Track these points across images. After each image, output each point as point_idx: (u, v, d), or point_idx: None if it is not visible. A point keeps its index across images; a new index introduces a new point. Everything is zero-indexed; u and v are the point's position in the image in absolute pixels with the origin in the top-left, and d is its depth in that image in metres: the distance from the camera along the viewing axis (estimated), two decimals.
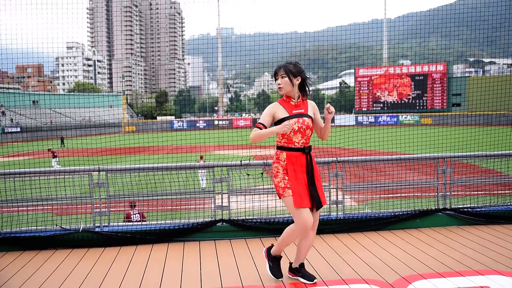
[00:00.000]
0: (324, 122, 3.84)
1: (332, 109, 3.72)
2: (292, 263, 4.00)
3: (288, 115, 3.68)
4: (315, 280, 3.86)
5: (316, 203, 3.71)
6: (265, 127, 3.66)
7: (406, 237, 5.24)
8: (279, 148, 3.76)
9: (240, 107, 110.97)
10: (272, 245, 4.02)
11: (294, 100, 3.75)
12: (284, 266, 4.06)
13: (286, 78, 3.70)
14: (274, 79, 3.78)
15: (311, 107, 3.81)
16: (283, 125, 3.59)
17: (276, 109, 3.73)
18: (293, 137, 3.68)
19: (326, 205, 5.61)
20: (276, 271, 3.96)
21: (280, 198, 3.75)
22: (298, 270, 3.94)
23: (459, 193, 6.66)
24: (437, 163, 5.88)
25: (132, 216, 7.18)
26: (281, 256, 4.02)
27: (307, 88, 3.78)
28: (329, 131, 3.85)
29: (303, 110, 3.73)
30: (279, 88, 3.73)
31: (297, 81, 3.72)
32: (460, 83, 63.08)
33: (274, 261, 3.99)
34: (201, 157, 19.17)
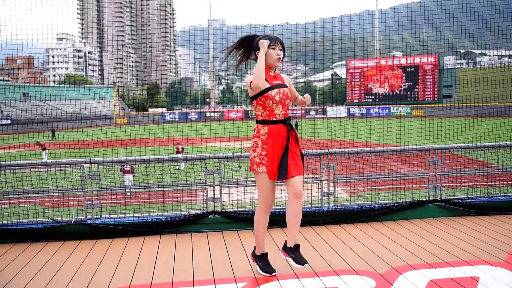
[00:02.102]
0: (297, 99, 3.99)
1: (309, 101, 3.92)
2: (286, 241, 3.84)
3: (269, 85, 3.71)
4: (306, 265, 3.72)
5: (279, 173, 3.68)
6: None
7: (397, 228, 5.29)
8: (260, 122, 3.76)
9: (232, 99, 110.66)
10: (254, 247, 4.02)
11: (272, 72, 3.81)
12: (275, 258, 4.08)
13: (282, 52, 3.80)
14: (272, 47, 3.74)
15: (286, 79, 3.90)
16: (262, 42, 3.66)
17: None
18: (275, 109, 3.70)
19: (318, 196, 5.64)
20: (266, 268, 3.89)
21: (250, 171, 3.81)
22: (292, 251, 3.76)
23: (449, 184, 6.72)
24: (428, 155, 5.92)
25: (125, 167, 7.30)
26: (266, 252, 3.97)
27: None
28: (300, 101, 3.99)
29: (280, 81, 3.81)
30: (278, 58, 3.77)
31: None
32: (451, 74, 63.41)
33: (261, 259, 3.94)
34: (180, 150, 19.33)
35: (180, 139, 19.12)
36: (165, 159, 5.50)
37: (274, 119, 3.71)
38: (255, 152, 3.76)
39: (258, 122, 3.78)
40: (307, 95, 3.92)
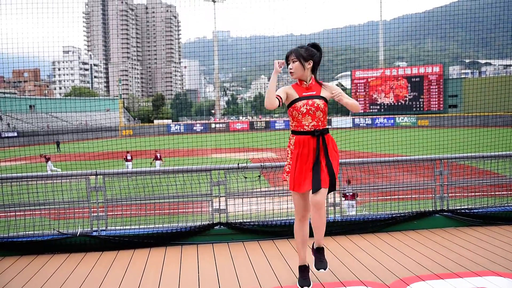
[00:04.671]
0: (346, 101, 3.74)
1: (337, 92, 3.70)
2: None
3: (298, 97, 3.70)
4: (321, 270, 3.77)
5: (313, 184, 3.62)
6: (281, 98, 3.68)
7: (403, 239, 5.25)
8: (292, 132, 3.77)
9: (237, 110, 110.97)
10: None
11: (305, 83, 3.75)
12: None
13: (297, 63, 3.69)
14: (286, 64, 3.76)
15: (327, 88, 3.76)
16: (275, 62, 3.65)
17: (288, 90, 3.77)
18: (302, 120, 3.68)
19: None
20: (302, 281, 3.85)
21: (283, 180, 3.84)
22: (315, 252, 3.86)
23: (456, 194, 6.67)
24: (434, 165, 5.89)
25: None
26: (305, 264, 3.90)
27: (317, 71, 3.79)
28: (352, 105, 3.72)
29: (314, 92, 3.71)
30: (290, 73, 3.73)
31: (308, 65, 3.71)
32: (456, 84, 63.28)
33: (299, 271, 3.94)
34: (157, 158, 20.34)
35: (194, 151, 19.18)
36: (171, 171, 5.50)
37: (302, 130, 3.69)
38: (286, 161, 3.81)
39: (291, 132, 3.80)
40: (335, 91, 3.72)
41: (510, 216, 5.74)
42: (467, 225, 5.67)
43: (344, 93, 3.73)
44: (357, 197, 8.59)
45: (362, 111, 69.03)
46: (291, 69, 3.72)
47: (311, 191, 3.65)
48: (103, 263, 4.70)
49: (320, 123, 3.69)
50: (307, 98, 3.69)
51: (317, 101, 3.68)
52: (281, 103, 3.72)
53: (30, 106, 64.68)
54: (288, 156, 3.79)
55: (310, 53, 3.71)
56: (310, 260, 3.92)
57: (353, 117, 66.05)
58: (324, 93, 3.74)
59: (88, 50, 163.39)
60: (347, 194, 8.53)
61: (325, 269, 3.78)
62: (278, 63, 3.67)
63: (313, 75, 3.77)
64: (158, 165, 21.00)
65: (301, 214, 3.82)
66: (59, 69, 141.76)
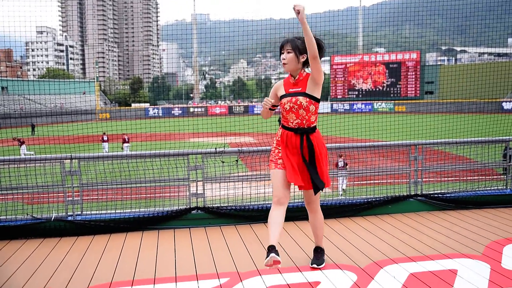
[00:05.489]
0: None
1: (298, 7, 3.23)
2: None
3: (285, 93, 3.65)
4: (314, 265, 3.91)
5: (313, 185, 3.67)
6: (276, 105, 3.73)
7: (378, 222, 5.35)
8: (281, 124, 3.74)
9: (215, 94, 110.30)
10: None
11: (293, 79, 3.63)
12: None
13: (292, 54, 3.52)
14: (279, 53, 3.62)
15: (309, 79, 3.55)
16: (264, 101, 3.65)
17: (277, 88, 3.74)
18: (287, 116, 3.64)
19: (299, 191, 5.66)
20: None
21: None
22: (314, 252, 4.05)
23: (430, 179, 6.82)
24: (409, 150, 5.99)
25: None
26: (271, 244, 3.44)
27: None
28: (309, 41, 3.33)
29: (300, 89, 3.57)
30: (283, 63, 3.58)
31: (302, 58, 3.55)
32: (433, 71, 64.22)
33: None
34: (125, 140, 22.24)
35: (172, 135, 19.05)
36: (148, 155, 5.45)
37: (287, 125, 3.66)
38: (273, 146, 3.80)
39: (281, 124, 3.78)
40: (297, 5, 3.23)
41: (481, 200, 5.91)
42: (440, 209, 5.81)
43: (305, 16, 3.26)
44: (347, 166, 8.90)
45: (341, 96, 69.47)
46: (284, 59, 3.55)
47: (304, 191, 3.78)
48: (79, 248, 4.65)
49: (304, 121, 3.58)
50: (291, 95, 3.59)
51: (300, 98, 3.54)
52: (277, 107, 3.76)
53: (2, 88, 63.00)
54: (273, 145, 3.79)
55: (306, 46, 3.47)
56: (282, 241, 4.06)
57: (332, 102, 66.43)
58: (309, 85, 3.54)
59: (63, 31, 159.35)
60: (338, 166, 9.23)
61: (318, 266, 3.93)
62: (265, 103, 3.62)
63: (303, 69, 3.63)
64: (126, 147, 21.79)
65: (277, 197, 3.61)
66: (32, 50, 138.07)
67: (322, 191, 3.80)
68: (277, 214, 3.54)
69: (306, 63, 3.61)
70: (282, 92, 3.68)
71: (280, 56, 3.61)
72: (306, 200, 3.90)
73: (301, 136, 3.59)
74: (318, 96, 3.60)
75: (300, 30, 3.40)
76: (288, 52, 3.54)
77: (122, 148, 22.51)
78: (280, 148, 3.70)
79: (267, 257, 3.26)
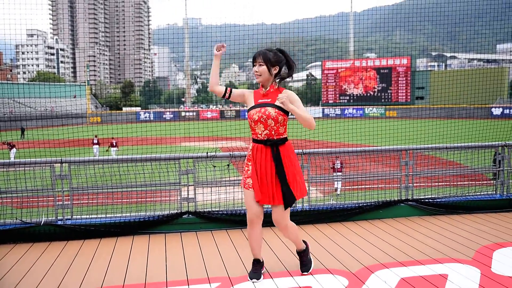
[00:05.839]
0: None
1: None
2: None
3: (254, 104, 3.64)
4: (304, 273, 3.90)
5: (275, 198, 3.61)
6: (233, 92, 3.76)
7: (370, 227, 5.36)
8: (252, 139, 3.72)
9: (207, 98, 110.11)
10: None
11: (263, 90, 3.66)
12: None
13: (264, 66, 3.58)
14: (252, 65, 3.67)
15: (288, 98, 3.51)
16: (214, 47, 3.69)
17: (249, 95, 3.73)
18: (255, 128, 3.61)
19: None
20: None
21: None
22: (298, 256, 4.02)
23: (421, 184, 6.85)
24: (400, 155, 6.03)
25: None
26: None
27: (282, 78, 3.67)
28: (303, 120, 3.50)
29: (269, 100, 3.59)
30: (256, 75, 3.62)
31: (274, 70, 3.60)
32: (423, 76, 64.73)
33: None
34: (113, 145, 22.78)
35: (164, 139, 18.97)
36: (139, 159, 5.43)
37: (256, 138, 3.64)
38: (244, 166, 3.77)
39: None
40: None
41: (471, 205, 5.95)
42: (430, 214, 5.84)
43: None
44: (343, 166, 8.97)
45: (332, 101, 69.73)
46: (257, 71, 3.60)
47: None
48: (68, 253, 4.61)
49: (273, 132, 3.57)
50: (260, 105, 3.59)
51: (269, 109, 3.54)
52: (228, 95, 3.73)
53: None
54: (245, 162, 3.78)
55: (277, 59, 3.60)
56: (265, 255, 4.11)
57: (323, 107, 66.67)
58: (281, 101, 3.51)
59: (54, 34, 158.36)
60: (335, 167, 9.35)
61: (307, 272, 3.92)
62: (217, 46, 3.67)
63: (274, 82, 3.66)
64: (113, 152, 22.05)
65: (249, 219, 3.66)
66: (23, 53, 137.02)
67: (291, 206, 3.72)
68: (255, 233, 3.72)
69: (277, 74, 3.66)
70: (251, 103, 3.67)
71: (253, 68, 3.66)
72: (274, 217, 3.71)
73: (272, 147, 3.59)
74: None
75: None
76: (260, 65, 3.59)
77: (107, 151, 22.87)
78: (250, 164, 3.69)
79: (251, 273, 3.79)
